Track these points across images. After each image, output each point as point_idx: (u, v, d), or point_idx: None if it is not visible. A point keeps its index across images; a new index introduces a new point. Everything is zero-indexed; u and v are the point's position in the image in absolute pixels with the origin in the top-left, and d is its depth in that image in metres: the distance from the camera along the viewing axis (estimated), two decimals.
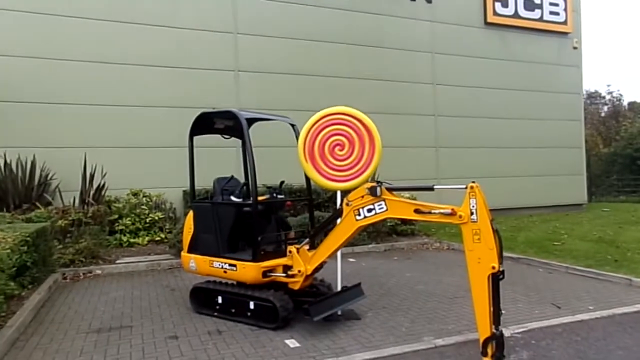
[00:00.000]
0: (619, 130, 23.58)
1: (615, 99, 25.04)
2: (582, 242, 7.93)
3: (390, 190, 3.75)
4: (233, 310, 4.42)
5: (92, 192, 8.53)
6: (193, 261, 4.75)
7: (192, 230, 4.81)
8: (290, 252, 4.27)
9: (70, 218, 7.59)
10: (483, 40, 13.40)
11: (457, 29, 13.06)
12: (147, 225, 9.01)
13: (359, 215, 3.84)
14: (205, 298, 4.67)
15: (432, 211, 3.44)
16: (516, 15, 13.63)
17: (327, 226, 4.31)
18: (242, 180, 5.17)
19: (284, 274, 4.28)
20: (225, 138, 5.33)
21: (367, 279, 6.16)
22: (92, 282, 6.23)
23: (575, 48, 14.68)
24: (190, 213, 4.91)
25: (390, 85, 12.06)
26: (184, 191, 9.68)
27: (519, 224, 10.55)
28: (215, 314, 4.54)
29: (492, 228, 3.21)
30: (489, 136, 13.27)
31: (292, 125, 5.02)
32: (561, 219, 11.38)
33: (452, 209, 3.34)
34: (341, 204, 4.03)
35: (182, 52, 10.09)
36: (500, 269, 3.17)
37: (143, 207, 9.12)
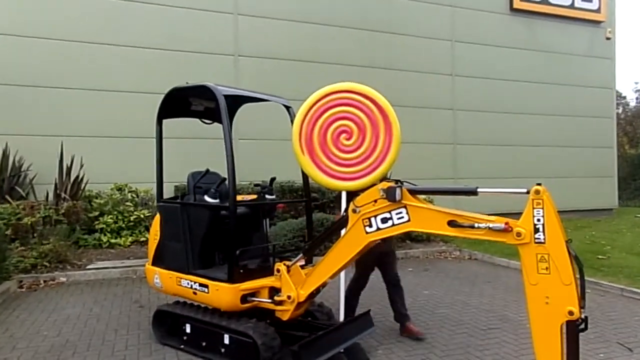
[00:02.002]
0: None
1: None
2: (631, 255, 6.79)
3: (413, 193, 2.72)
4: (204, 344, 3.42)
5: (68, 186, 7.60)
6: (158, 276, 3.76)
7: (157, 238, 3.82)
8: (278, 270, 3.25)
9: (38, 215, 6.67)
10: (508, 28, 12.22)
11: (480, 15, 11.91)
12: (132, 224, 8.06)
13: (370, 226, 2.81)
14: (172, 325, 3.68)
15: (476, 225, 2.39)
16: (545, 1, 12.42)
17: (328, 238, 3.29)
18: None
19: (269, 300, 3.27)
20: (206, 123, 4.33)
21: (377, 297, 5.10)
22: (51, 293, 5.28)
23: (608, 39, 13.41)
24: (157, 216, 3.93)
25: (404, 75, 10.96)
26: (175, 186, 8.71)
27: None
28: (182, 346, 3.55)
29: (570, 253, 2.16)
30: (512, 133, 12.09)
31: (287, 108, 4.00)
32: (594, 226, 10.21)
33: (507, 223, 2.29)
34: (346, 210, 3.00)
35: (176, 34, 9.11)
36: (582, 316, 2.13)
37: (128, 203, 8.18)
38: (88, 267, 6.23)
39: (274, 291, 3.31)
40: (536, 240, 2.21)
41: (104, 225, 7.75)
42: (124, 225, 7.99)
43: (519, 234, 2.24)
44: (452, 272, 6.46)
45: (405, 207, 2.67)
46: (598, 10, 13.12)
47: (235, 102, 4.28)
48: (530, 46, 12.39)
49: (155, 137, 4.00)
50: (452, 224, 2.50)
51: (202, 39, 9.30)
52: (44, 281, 5.67)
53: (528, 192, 2.27)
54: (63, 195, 7.37)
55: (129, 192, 8.42)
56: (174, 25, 9.10)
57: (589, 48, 13.12)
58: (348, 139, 3.52)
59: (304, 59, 10.05)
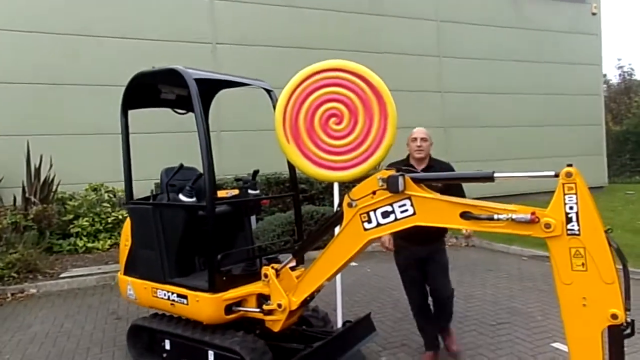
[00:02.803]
0: (631, 107, 22.20)
1: (626, 74, 23.66)
2: (632, 234, 6.58)
3: (418, 181, 2.35)
4: None
5: (38, 189, 7.07)
6: (131, 287, 3.35)
7: (129, 243, 3.41)
8: (266, 275, 2.87)
9: (5, 221, 6.16)
10: (493, 5, 11.90)
11: None
12: (110, 225, 7.58)
13: (369, 221, 2.44)
14: (149, 341, 3.29)
15: (496, 216, 2.03)
16: None
17: (321, 237, 2.92)
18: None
19: (257, 309, 2.89)
20: (178, 113, 3.89)
21: (375, 293, 4.81)
22: (19, 307, 4.82)
23: (594, 14, 13.20)
24: (128, 219, 3.50)
25: (390, 58, 10.55)
26: (155, 184, 8.22)
27: None
28: None
29: (611, 245, 1.83)
30: (501, 114, 11.84)
31: (269, 92, 3.58)
32: None
33: (534, 213, 1.94)
34: (340, 204, 2.63)
35: (148, 21, 8.55)
36: (627, 319, 1.80)
37: (105, 204, 7.69)
38: (61, 275, 5.76)
39: (262, 298, 2.93)
40: (569, 232, 1.87)
41: (80, 229, 7.27)
42: (101, 228, 7.52)
43: (547, 226, 1.89)
44: (450, 262, 6.14)
45: (409, 198, 2.31)
46: None
47: (211, 87, 3.87)
48: (515, 24, 12.09)
49: (120, 130, 3.55)
50: (465, 215, 2.14)
51: (177, 27, 8.76)
52: (12, 294, 5.19)
53: (557, 175, 1.92)
54: (32, 199, 6.85)
55: (106, 192, 7.93)
56: (145, 13, 8.55)
57: (575, 24, 12.89)
58: (338, 124, 3.13)
59: (286, 45, 9.57)
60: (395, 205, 2.35)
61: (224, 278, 2.88)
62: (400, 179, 2.29)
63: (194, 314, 2.95)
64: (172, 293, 3.02)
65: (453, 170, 3.25)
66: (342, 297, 3.93)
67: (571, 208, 1.86)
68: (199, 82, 3.06)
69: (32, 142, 7.36)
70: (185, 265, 3.17)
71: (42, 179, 7.14)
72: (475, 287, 4.90)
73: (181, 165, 3.40)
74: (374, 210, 2.41)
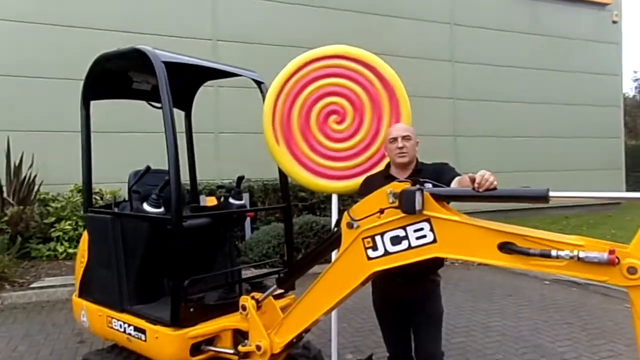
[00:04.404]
0: None
1: None
2: None
3: (440, 198, 1.77)
4: None
5: (17, 188, 6.56)
6: (84, 312, 2.79)
7: (85, 260, 2.86)
8: (244, 307, 2.31)
9: None
10: (510, 10, 11.34)
11: None
12: None
13: (375, 248, 1.87)
14: None
15: (554, 252, 1.45)
16: None
17: (314, 264, 2.35)
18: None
19: (232, 350, 2.33)
20: (154, 107, 3.34)
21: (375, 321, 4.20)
22: None
23: (614, 22, 12.62)
24: (85, 232, 2.96)
25: (399, 61, 9.66)
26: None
27: (560, 230, 8.55)
28: None
29: None
30: (515, 123, 11.23)
31: (259, 84, 3.03)
32: (609, 223, 9.40)
33: (613, 251, 1.36)
34: (337, 224, 2.06)
35: (144, 15, 8.08)
36: None
37: None
38: (32, 285, 5.22)
39: (240, 335, 2.38)
40: None
41: (61, 233, 6.75)
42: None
43: (632, 270, 1.32)
44: (462, 283, 5.56)
45: (428, 220, 1.73)
46: None
47: (193, 78, 3.34)
48: (532, 30, 11.53)
49: (80, 126, 3.03)
50: (507, 248, 1.57)
51: (176, 21, 8.29)
52: None
53: None
54: (9, 199, 6.34)
55: (92, 194, 7.40)
56: (142, 5, 8.09)
57: (595, 32, 12.30)
58: (339, 123, 2.60)
59: (289, 43, 8.99)
60: (410, 230, 1.77)
61: (192, 309, 2.31)
62: (418, 195, 1.71)
63: (152, 354, 2.38)
64: (129, 325, 2.45)
65: (452, 170, 2.26)
66: (341, 324, 3.37)
67: None
68: (177, 69, 2.56)
69: (14, 138, 6.88)
70: (148, 290, 2.60)
71: (21, 177, 6.63)
72: (494, 316, 4.29)
73: (148, 168, 2.84)
74: (381, 235, 1.84)
